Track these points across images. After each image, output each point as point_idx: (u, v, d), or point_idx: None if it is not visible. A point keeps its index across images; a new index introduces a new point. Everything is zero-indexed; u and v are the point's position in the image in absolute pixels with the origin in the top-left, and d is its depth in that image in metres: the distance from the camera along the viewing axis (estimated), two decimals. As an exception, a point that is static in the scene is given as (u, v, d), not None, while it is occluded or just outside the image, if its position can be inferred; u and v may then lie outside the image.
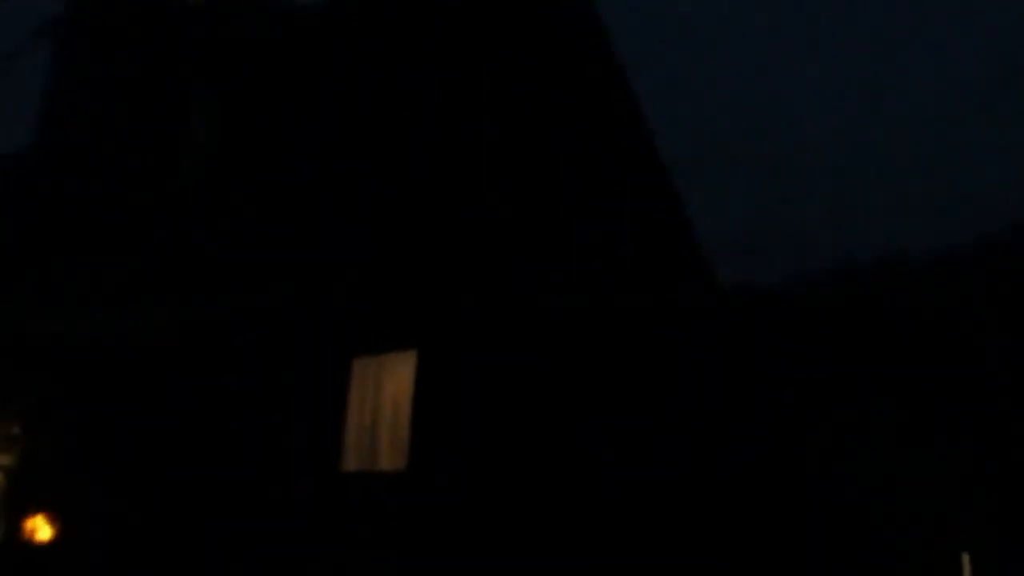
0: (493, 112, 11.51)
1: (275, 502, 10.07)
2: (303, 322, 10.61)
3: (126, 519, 10.08)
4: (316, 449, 10.26)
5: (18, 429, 10.53)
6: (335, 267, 10.71)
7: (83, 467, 10.32)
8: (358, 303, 10.44)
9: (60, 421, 10.51)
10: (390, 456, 10.02)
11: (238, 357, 10.68)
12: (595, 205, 12.32)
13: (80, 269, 11.29)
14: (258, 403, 10.48)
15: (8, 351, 10.66)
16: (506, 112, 11.68)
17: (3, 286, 11.43)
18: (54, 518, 10.13)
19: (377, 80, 11.68)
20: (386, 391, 10.30)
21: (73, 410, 10.49)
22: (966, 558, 8.90)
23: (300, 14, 12.62)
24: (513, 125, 11.66)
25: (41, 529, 10.12)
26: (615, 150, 13.13)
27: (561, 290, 10.69)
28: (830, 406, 10.68)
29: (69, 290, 11.09)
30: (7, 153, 14.17)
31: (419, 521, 9.41)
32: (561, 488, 9.66)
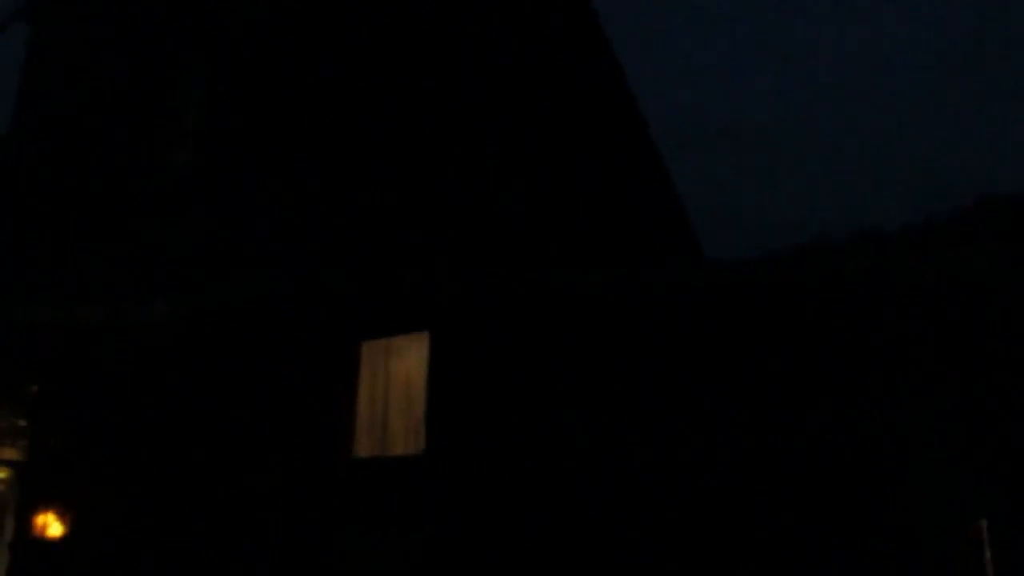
0: (497, 95, 11.42)
1: (288, 490, 10.00)
2: (308, 307, 10.50)
3: (138, 513, 9.97)
4: (327, 435, 10.19)
5: (23, 422, 10.36)
6: (339, 251, 10.60)
7: (93, 461, 10.18)
8: (364, 286, 10.34)
9: (67, 414, 10.34)
10: (404, 440, 9.98)
11: (244, 344, 10.56)
12: (594, 184, 12.29)
13: (77, 259, 11.08)
14: (266, 391, 10.38)
15: (9, 341, 10.47)
16: (508, 96, 11.60)
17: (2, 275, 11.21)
18: (65, 514, 10.00)
19: (377, 61, 11.51)
20: (397, 374, 10.24)
21: (80, 402, 10.33)
22: (984, 525, 8.96)
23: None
24: (516, 108, 11.58)
25: (52, 525, 9.99)
26: (608, 129, 13.09)
27: (571, 269, 10.63)
28: (829, 377, 10.66)
29: (67, 280, 10.88)
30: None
31: (438, 504, 9.39)
32: (583, 470, 9.64)
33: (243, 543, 9.96)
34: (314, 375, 10.34)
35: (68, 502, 10.09)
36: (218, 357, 10.61)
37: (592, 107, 12.94)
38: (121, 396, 10.47)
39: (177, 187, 11.75)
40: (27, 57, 14.34)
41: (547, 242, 11.05)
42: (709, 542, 9.64)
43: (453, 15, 11.65)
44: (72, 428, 10.35)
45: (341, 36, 11.76)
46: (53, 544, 9.95)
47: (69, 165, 12.26)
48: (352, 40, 11.76)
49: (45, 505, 10.06)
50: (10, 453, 10.41)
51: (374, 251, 10.51)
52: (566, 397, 10.14)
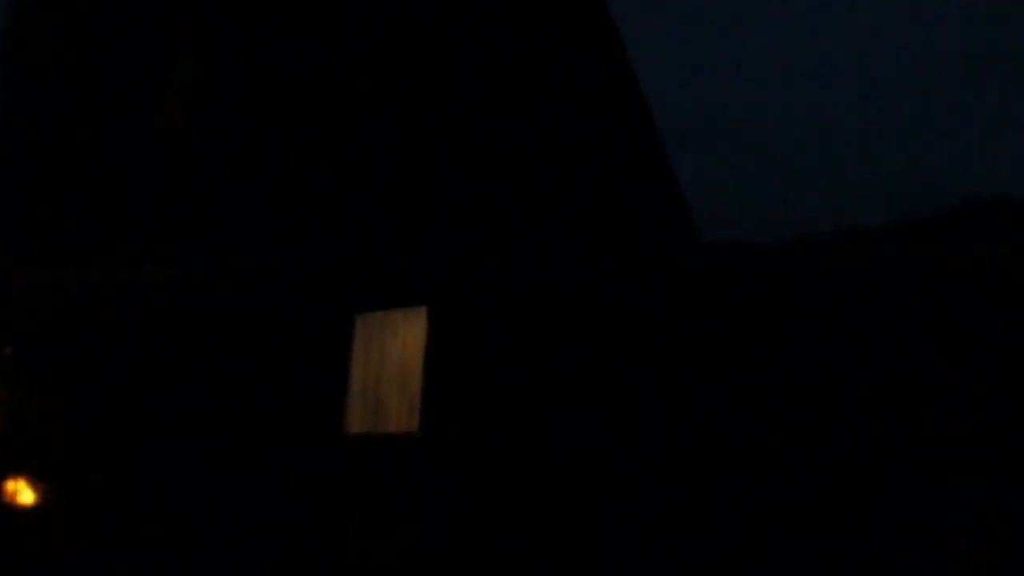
0: (500, 74, 11.18)
1: (275, 466, 9.65)
2: (302, 276, 10.17)
3: (114, 485, 9.57)
4: (318, 409, 9.85)
5: (-3, 384, 9.94)
6: (337, 221, 10.28)
7: (70, 429, 9.76)
8: (362, 257, 10.01)
9: (45, 379, 9.92)
10: (398, 417, 9.65)
11: (233, 313, 10.20)
12: (596, 172, 12.06)
13: (63, 220, 10.67)
14: (254, 361, 10.02)
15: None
16: (511, 75, 11.36)
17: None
18: (38, 482, 9.58)
19: (377, 30, 11.20)
20: (392, 350, 9.91)
21: (59, 367, 9.91)
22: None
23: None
24: (518, 88, 11.35)
25: (23, 492, 9.57)
26: (610, 116, 12.86)
27: (574, 252, 10.38)
28: (827, 374, 10.44)
29: (52, 241, 10.47)
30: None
31: (433, 482, 9.08)
32: (582, 454, 9.37)
33: (222, 518, 9.59)
34: (306, 347, 10.00)
35: (42, 470, 9.66)
36: (205, 326, 10.24)
37: (595, 92, 12.71)
38: (102, 362, 10.07)
39: (168, 153, 11.38)
40: (13, 17, 13.90)
41: (549, 230, 10.82)
42: (704, 531, 9.40)
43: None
44: (49, 393, 9.93)
45: (338, 3, 11.45)
46: (24, 512, 9.53)
47: (59, 126, 11.83)
48: (350, 7, 11.46)
49: (17, 471, 9.64)
50: (-19, 415, 9.98)
51: (373, 222, 10.20)
52: (566, 380, 9.87)
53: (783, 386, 10.69)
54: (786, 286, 11.07)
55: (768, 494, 8.80)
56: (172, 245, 10.45)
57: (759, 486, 8.85)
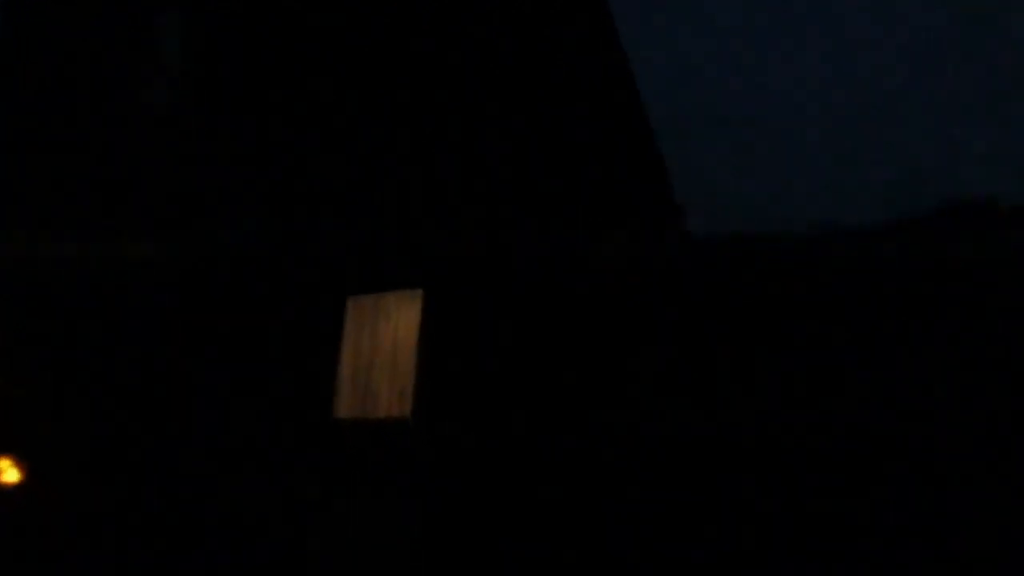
0: (497, 61, 11.04)
1: (262, 447, 9.51)
2: (293, 257, 10.00)
3: (101, 465, 9.43)
4: (306, 393, 9.71)
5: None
6: (330, 200, 10.10)
7: (54, 407, 9.61)
8: (356, 238, 9.85)
9: (31, 356, 9.76)
10: (388, 402, 9.51)
11: (221, 291, 10.04)
12: (589, 163, 11.93)
13: (47, 193, 10.48)
14: (242, 342, 9.86)
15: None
16: (508, 63, 11.22)
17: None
18: (22, 460, 9.43)
19: (380, 17, 11.00)
20: (385, 333, 9.76)
21: (47, 345, 9.75)
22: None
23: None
24: (514, 77, 11.20)
25: (7, 471, 9.43)
26: (605, 108, 12.72)
27: (574, 237, 10.24)
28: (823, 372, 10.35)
29: (35, 214, 10.29)
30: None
31: (424, 469, 8.96)
32: (577, 440, 9.25)
33: (210, 501, 9.47)
34: (295, 329, 9.84)
35: (26, 448, 9.52)
36: (192, 304, 10.08)
37: (594, 91, 12.58)
38: (86, 340, 9.90)
39: (155, 126, 11.19)
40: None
41: (547, 222, 10.69)
42: (704, 531, 9.30)
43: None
44: (38, 371, 9.78)
45: None
46: (8, 490, 9.39)
47: (51, 107, 11.62)
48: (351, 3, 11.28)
49: (2, 450, 9.49)
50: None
51: (369, 207, 10.05)
52: (562, 369, 9.75)
53: (782, 385, 10.58)
54: (783, 284, 10.94)
55: (768, 494, 8.67)
56: (160, 225, 10.29)
57: (759, 486, 8.73)
